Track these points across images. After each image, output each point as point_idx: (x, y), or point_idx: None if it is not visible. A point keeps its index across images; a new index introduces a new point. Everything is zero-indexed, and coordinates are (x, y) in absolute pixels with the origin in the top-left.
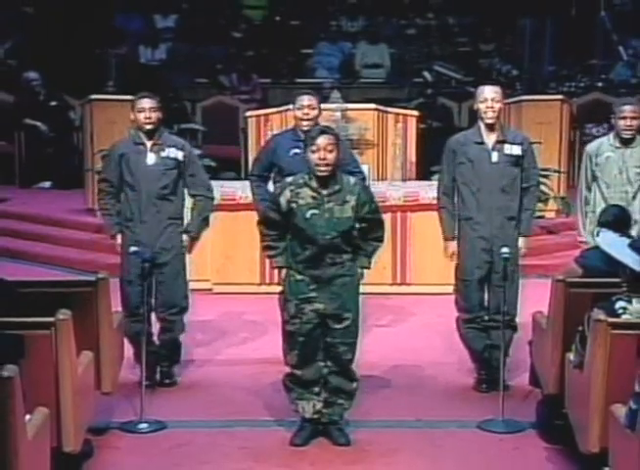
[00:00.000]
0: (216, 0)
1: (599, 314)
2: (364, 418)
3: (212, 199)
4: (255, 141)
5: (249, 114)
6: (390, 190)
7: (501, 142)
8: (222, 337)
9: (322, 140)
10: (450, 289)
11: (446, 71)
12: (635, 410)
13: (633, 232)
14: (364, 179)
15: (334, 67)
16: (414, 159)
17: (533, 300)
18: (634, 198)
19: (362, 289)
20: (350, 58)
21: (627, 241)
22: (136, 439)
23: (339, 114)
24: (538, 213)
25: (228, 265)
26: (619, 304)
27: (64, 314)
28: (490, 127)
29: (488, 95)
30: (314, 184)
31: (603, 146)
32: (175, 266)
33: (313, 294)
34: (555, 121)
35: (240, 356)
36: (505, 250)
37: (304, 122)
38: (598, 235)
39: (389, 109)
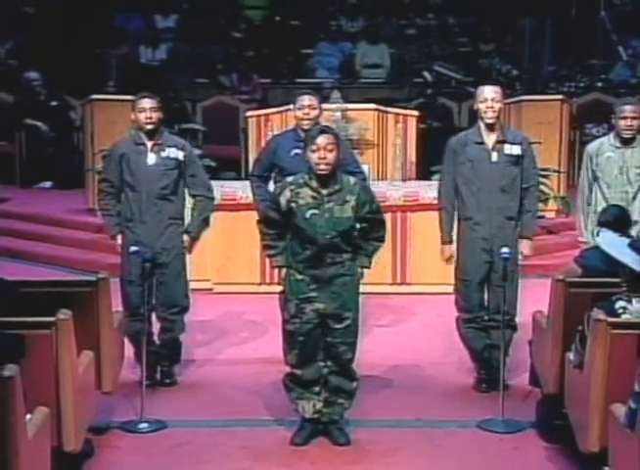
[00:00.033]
0: (217, 0)
1: (599, 314)
2: (364, 418)
3: (213, 199)
4: (256, 141)
5: (249, 114)
6: (390, 190)
7: (501, 142)
8: (222, 336)
9: (322, 139)
10: (450, 289)
11: (446, 72)
12: (635, 410)
13: (633, 232)
14: (365, 179)
15: (334, 67)
16: (414, 159)
17: (533, 299)
18: (634, 198)
19: (362, 289)
20: (350, 58)
21: (627, 241)
22: (136, 438)
23: (339, 114)
24: (539, 214)
25: (228, 265)
26: (619, 303)
27: (64, 314)
28: (490, 127)
29: (488, 95)
30: (314, 184)
31: (603, 146)
32: (176, 266)
33: (313, 293)
34: (555, 121)
35: (240, 356)
36: (505, 250)
37: (305, 122)
38: (598, 235)
39: (389, 109)
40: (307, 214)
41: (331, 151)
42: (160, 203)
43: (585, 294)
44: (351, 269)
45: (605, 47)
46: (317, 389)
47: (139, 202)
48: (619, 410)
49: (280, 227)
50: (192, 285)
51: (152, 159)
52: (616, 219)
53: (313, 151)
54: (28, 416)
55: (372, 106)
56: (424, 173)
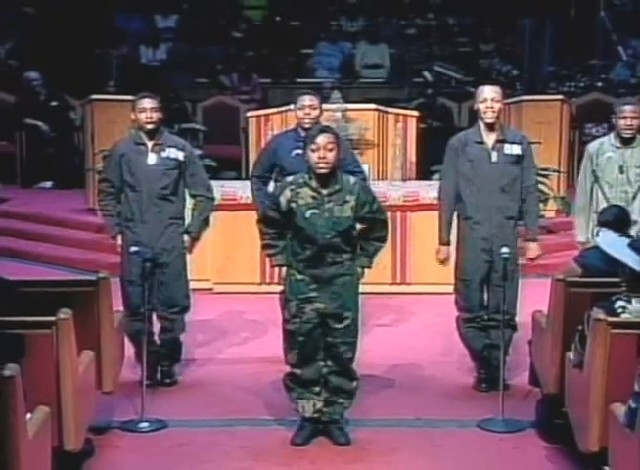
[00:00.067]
0: (217, 0)
1: (599, 314)
2: (364, 417)
3: (213, 199)
4: (256, 141)
5: (249, 114)
6: (390, 190)
7: (501, 141)
8: (223, 336)
9: (322, 139)
10: (450, 289)
11: (446, 72)
12: (635, 409)
13: (633, 232)
14: (365, 179)
15: (334, 67)
16: (414, 159)
17: (533, 299)
18: (634, 198)
19: (362, 289)
20: (350, 58)
21: (627, 241)
22: (137, 438)
23: (339, 114)
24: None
25: (229, 265)
26: (619, 303)
27: (65, 314)
28: (490, 127)
29: (488, 95)
30: (314, 184)
31: (604, 146)
32: (177, 267)
33: (314, 293)
34: (555, 121)
35: (240, 356)
36: (505, 249)
37: (306, 121)
38: (598, 235)
39: (390, 109)
40: (307, 214)
41: (330, 150)
42: (161, 203)
43: (585, 293)
44: (351, 269)
45: (605, 47)
46: (317, 388)
47: (139, 202)
48: (619, 410)
49: (280, 227)
50: (192, 285)
51: (152, 159)
52: (615, 219)
53: (313, 150)
54: (29, 416)
55: (372, 106)
56: (424, 173)
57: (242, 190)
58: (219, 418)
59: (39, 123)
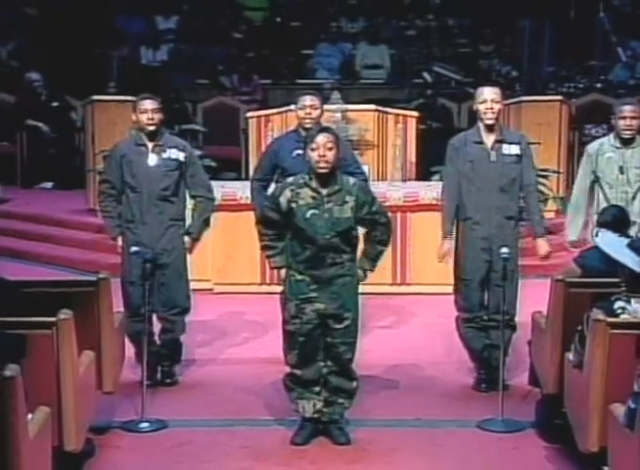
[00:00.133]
0: (217, 1)
1: (598, 314)
2: (364, 417)
3: (213, 200)
4: (256, 142)
5: (249, 114)
6: (390, 190)
7: (499, 142)
8: (223, 337)
9: (321, 138)
10: (450, 289)
11: (446, 72)
12: (634, 409)
13: (632, 232)
14: (365, 180)
15: (334, 67)
16: (414, 159)
17: (533, 299)
18: (634, 198)
19: (362, 289)
20: (351, 59)
21: (626, 241)
22: (137, 438)
23: (339, 114)
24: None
25: (229, 265)
26: (618, 303)
27: (65, 314)
28: (490, 128)
29: (488, 96)
30: (314, 184)
31: (603, 146)
32: (177, 268)
33: (314, 294)
34: (554, 122)
35: (241, 356)
36: (504, 250)
37: (307, 122)
38: (597, 235)
39: (389, 109)
40: (307, 215)
41: (330, 149)
42: (161, 204)
43: (585, 294)
44: (351, 270)
45: (604, 48)
46: (317, 389)
47: (140, 203)
48: (619, 410)
49: (279, 228)
50: (192, 285)
51: (153, 160)
52: (615, 220)
53: (313, 149)
54: (30, 416)
55: (372, 106)
56: (424, 174)
57: (242, 190)
58: (219, 418)
59: (40, 124)
